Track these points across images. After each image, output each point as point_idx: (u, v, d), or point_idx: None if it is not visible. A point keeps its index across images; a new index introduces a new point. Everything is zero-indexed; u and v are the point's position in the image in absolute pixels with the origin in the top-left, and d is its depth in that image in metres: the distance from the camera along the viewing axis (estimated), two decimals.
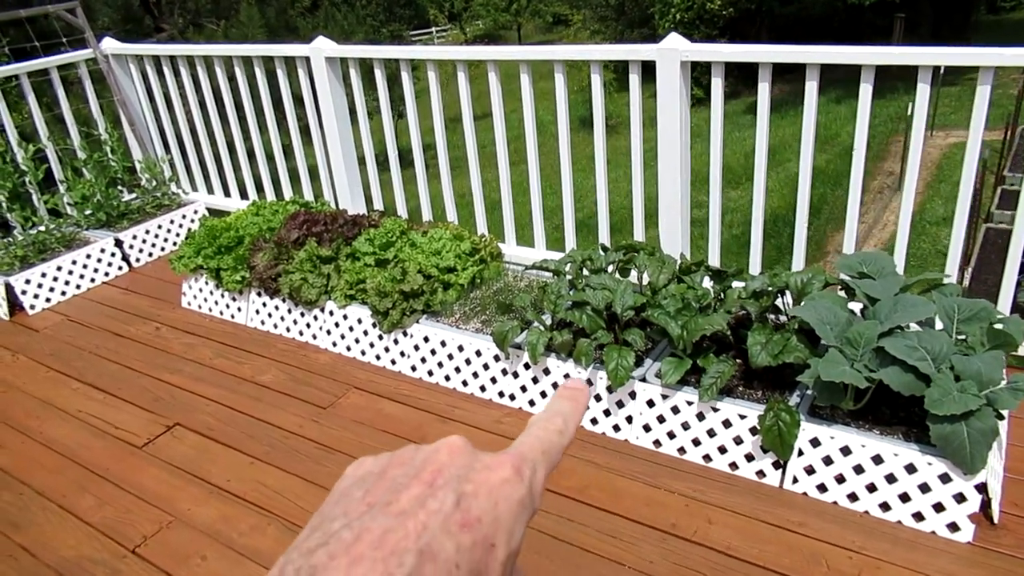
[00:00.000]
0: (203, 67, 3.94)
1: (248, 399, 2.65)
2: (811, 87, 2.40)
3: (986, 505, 1.81)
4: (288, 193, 3.97)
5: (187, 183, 4.40)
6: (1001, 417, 1.74)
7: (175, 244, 3.99)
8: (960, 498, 1.79)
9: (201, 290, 3.30)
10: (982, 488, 1.78)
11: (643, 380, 2.21)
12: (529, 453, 0.38)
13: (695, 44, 2.50)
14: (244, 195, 4.21)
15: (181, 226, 4.03)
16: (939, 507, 1.82)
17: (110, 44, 4.13)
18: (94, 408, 2.68)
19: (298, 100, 3.69)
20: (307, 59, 3.46)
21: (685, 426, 2.15)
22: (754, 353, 2.03)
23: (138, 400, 2.70)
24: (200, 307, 3.32)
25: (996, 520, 1.82)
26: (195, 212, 4.09)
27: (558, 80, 2.86)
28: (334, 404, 2.58)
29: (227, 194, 4.29)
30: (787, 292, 2.26)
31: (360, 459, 0.39)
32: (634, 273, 2.55)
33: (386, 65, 3.30)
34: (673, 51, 2.51)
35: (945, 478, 1.80)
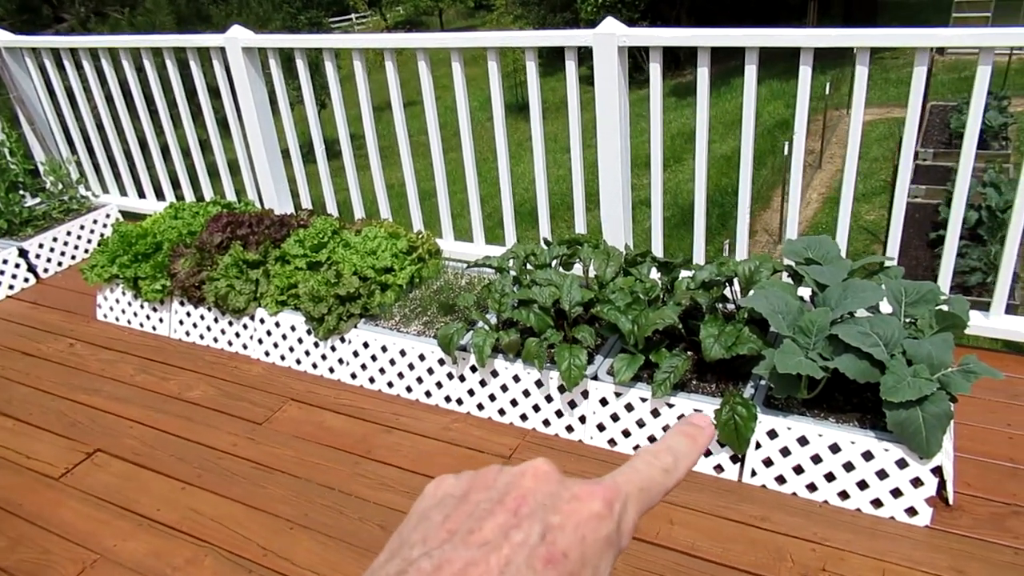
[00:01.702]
0: (108, 60, 3.67)
1: (176, 418, 2.47)
2: (750, 71, 2.36)
3: (941, 487, 1.81)
4: (208, 192, 3.75)
5: (97, 185, 4.12)
6: (955, 400, 1.74)
7: (87, 252, 3.73)
8: (917, 482, 1.79)
9: (118, 301, 3.08)
10: (937, 471, 1.78)
11: (595, 378, 2.15)
12: (625, 486, 0.36)
13: (632, 29, 2.43)
14: (160, 196, 3.96)
15: (92, 232, 3.76)
16: (897, 492, 1.81)
17: (3, 36, 3.80)
18: (2, 437, 2.46)
19: (214, 92, 3.47)
20: (222, 50, 3.25)
21: (640, 423, 2.10)
22: (707, 346, 1.99)
23: (53, 426, 2.49)
24: (118, 319, 3.09)
25: (951, 501, 1.83)
26: (107, 216, 3.83)
27: (491, 68, 2.75)
28: (270, 419, 2.43)
29: (141, 195, 4.03)
30: (734, 281, 2.23)
31: (440, 477, 0.38)
32: (578, 267, 2.48)
33: (307, 54, 3.13)
34: (610, 36, 2.44)
35: (902, 463, 1.80)
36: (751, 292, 2.13)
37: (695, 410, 2.01)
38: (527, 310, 2.22)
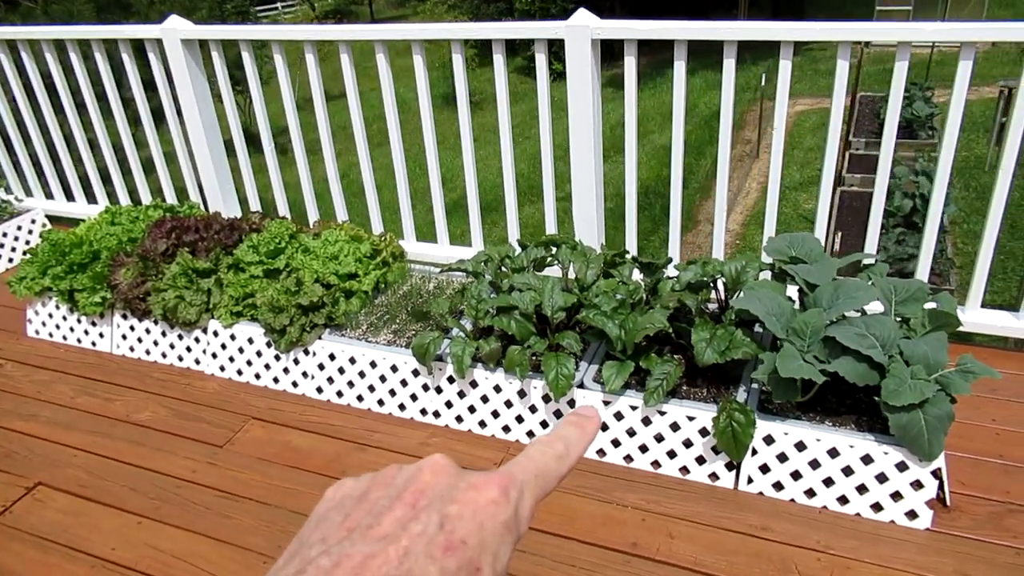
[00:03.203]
0: (28, 52, 3.38)
1: (126, 444, 2.27)
2: (729, 64, 2.30)
3: (939, 488, 1.79)
4: (145, 195, 3.51)
5: (18, 187, 3.81)
6: (954, 400, 1.72)
7: (11, 261, 3.44)
8: (917, 485, 1.76)
9: (51, 315, 2.83)
10: (937, 474, 1.75)
11: (581, 386, 2.06)
12: (520, 474, 0.37)
13: (606, 21, 2.34)
14: (91, 199, 3.69)
15: (17, 239, 3.47)
16: (897, 496, 1.78)
17: None
18: None
19: (149, 86, 3.23)
20: (159, 41, 3.03)
21: (631, 432, 2.02)
22: (700, 351, 1.92)
23: None
24: (52, 335, 2.85)
25: (949, 502, 1.81)
26: (32, 222, 3.54)
27: (456, 61, 2.62)
28: (231, 440, 2.25)
29: (70, 198, 3.74)
30: (718, 282, 2.17)
31: (340, 481, 0.38)
32: (555, 269, 2.39)
33: (251, 45, 2.93)
34: (583, 28, 2.34)
35: (902, 466, 1.76)
36: (740, 293, 2.07)
37: (688, 417, 1.94)
38: (508, 317, 2.11)
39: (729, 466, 1.94)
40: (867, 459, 1.79)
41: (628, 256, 2.43)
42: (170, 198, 3.41)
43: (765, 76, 10.72)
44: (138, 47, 3.18)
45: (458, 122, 2.71)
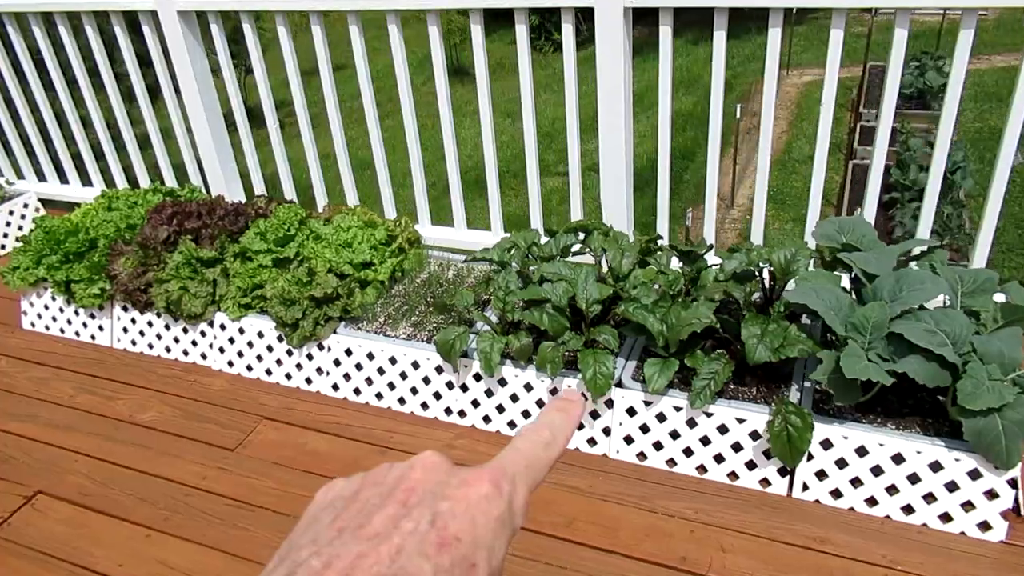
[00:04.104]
0: (14, 26, 3.19)
1: (130, 447, 2.13)
2: (774, 33, 2.13)
3: (1014, 499, 1.66)
4: (142, 177, 3.33)
5: (9, 170, 3.63)
6: None
7: (3, 248, 3.27)
8: (991, 495, 1.63)
9: (47, 307, 2.67)
10: (1013, 483, 1.62)
11: (619, 385, 1.91)
12: (510, 467, 0.37)
13: None
14: (86, 181, 3.51)
15: (9, 224, 3.30)
16: (968, 506, 1.65)
17: None
18: None
19: (143, 60, 3.04)
20: (153, 14, 2.83)
21: (674, 435, 1.88)
22: (751, 348, 1.77)
23: None
24: (48, 328, 2.69)
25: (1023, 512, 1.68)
26: (25, 206, 3.37)
27: (475, 32, 2.44)
28: (243, 443, 2.11)
29: (63, 180, 3.56)
30: (763, 271, 2.02)
31: (331, 481, 0.37)
32: (586, 257, 2.23)
33: (251, 16, 2.74)
34: None
35: (975, 474, 1.63)
36: (791, 284, 1.92)
37: (737, 419, 1.80)
38: (539, 311, 1.96)
39: (782, 471, 1.80)
40: (936, 466, 1.65)
41: (661, 241, 2.28)
42: (169, 180, 3.24)
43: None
44: (132, 20, 2.99)
45: (476, 93, 2.53)
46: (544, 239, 2.29)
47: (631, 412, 1.91)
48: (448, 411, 2.12)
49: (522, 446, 0.39)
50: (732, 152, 9.51)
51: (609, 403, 1.93)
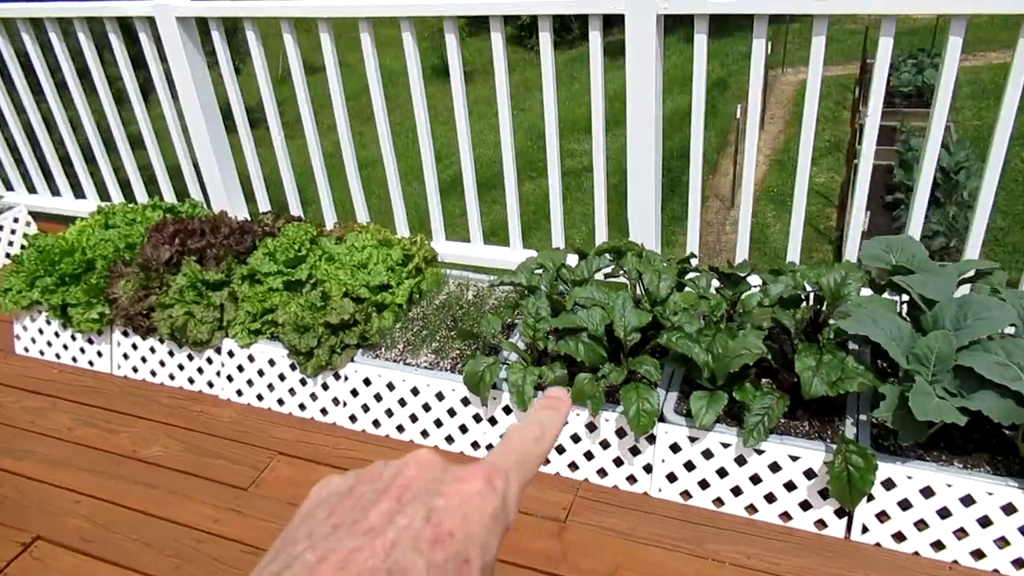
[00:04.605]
0: (1, 33, 3.03)
1: (134, 486, 2.00)
2: (818, 42, 2.02)
3: None
4: (139, 189, 3.18)
5: None
6: None
7: None
8: None
9: (42, 331, 2.53)
10: None
11: (661, 419, 1.80)
12: (502, 463, 0.37)
13: None
14: (79, 193, 3.36)
15: None
16: None
17: None
18: None
19: (137, 64, 2.89)
20: (151, 20, 2.69)
21: (721, 473, 1.76)
22: (806, 381, 1.66)
23: None
24: (43, 353, 2.55)
25: None
26: (15, 220, 3.21)
27: (495, 39, 2.31)
28: (257, 481, 1.98)
29: (55, 192, 3.41)
30: (809, 296, 1.91)
31: (326, 478, 0.37)
32: (621, 279, 2.11)
33: (255, 24, 2.60)
34: (648, 2, 2.04)
35: None
36: (844, 310, 1.81)
37: (790, 457, 1.69)
38: (574, 340, 1.84)
39: (840, 512, 1.69)
40: (1009, 508, 1.54)
41: (694, 261, 2.16)
42: (167, 194, 3.09)
43: (771, 44, 10.39)
44: (125, 25, 2.84)
45: (495, 94, 2.40)
46: (570, 257, 2.18)
47: (674, 448, 1.79)
48: (475, 445, 1.99)
49: (513, 442, 0.39)
50: (732, 152, 9.43)
51: (651, 438, 1.81)
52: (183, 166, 2.99)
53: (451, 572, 0.31)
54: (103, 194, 3.29)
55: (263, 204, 2.90)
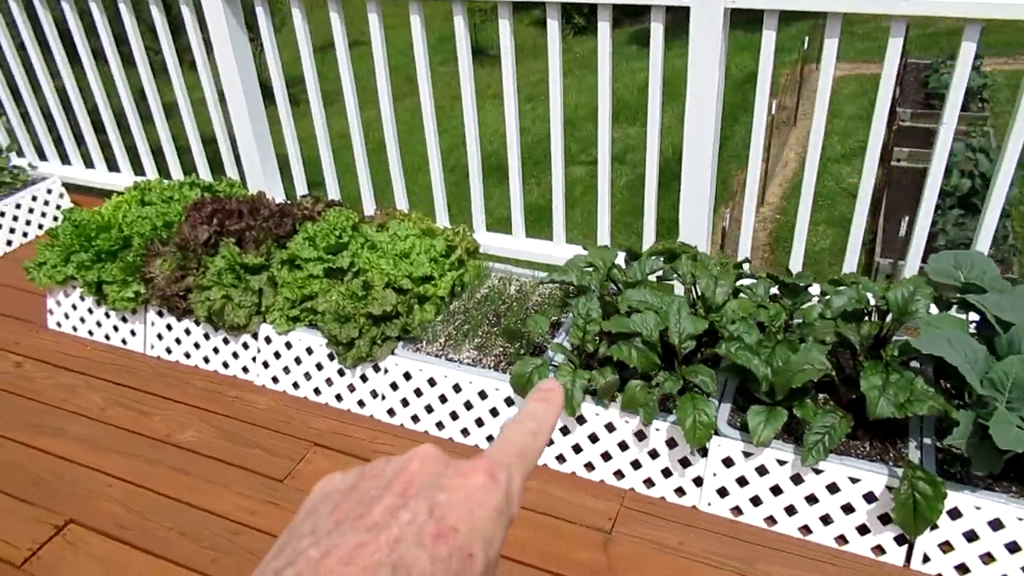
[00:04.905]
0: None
1: (168, 472, 1.96)
2: (895, 44, 1.93)
3: None
4: (174, 164, 3.13)
5: (31, 152, 3.43)
6: None
7: (25, 236, 3.08)
8: None
9: (75, 307, 2.49)
10: None
11: (715, 432, 1.73)
12: (504, 457, 0.37)
13: None
14: (112, 166, 3.32)
15: (32, 211, 3.11)
16: None
17: None
18: None
19: (177, 31, 2.83)
20: None
21: (776, 491, 1.70)
22: (872, 401, 1.59)
23: (4, 484, 1.94)
24: (75, 329, 2.51)
25: None
26: (48, 192, 3.17)
27: (551, 27, 2.23)
28: (293, 473, 1.94)
29: (89, 164, 3.37)
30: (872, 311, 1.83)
31: (330, 475, 0.37)
32: (675, 284, 2.04)
33: None
34: None
35: None
36: (913, 326, 1.73)
37: (850, 479, 1.62)
38: (627, 345, 1.77)
39: (900, 539, 1.62)
40: None
41: (746, 266, 2.09)
42: (202, 170, 3.04)
43: (808, 39, 10.20)
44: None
45: (547, 85, 2.33)
46: (618, 256, 2.10)
47: (727, 462, 1.73)
48: None
49: (512, 436, 0.39)
50: (764, 148, 9.28)
51: (703, 450, 1.75)
52: (220, 143, 2.94)
53: (455, 566, 0.31)
54: (137, 168, 3.25)
55: (300, 186, 2.85)
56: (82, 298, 2.46)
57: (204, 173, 3.03)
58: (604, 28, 2.19)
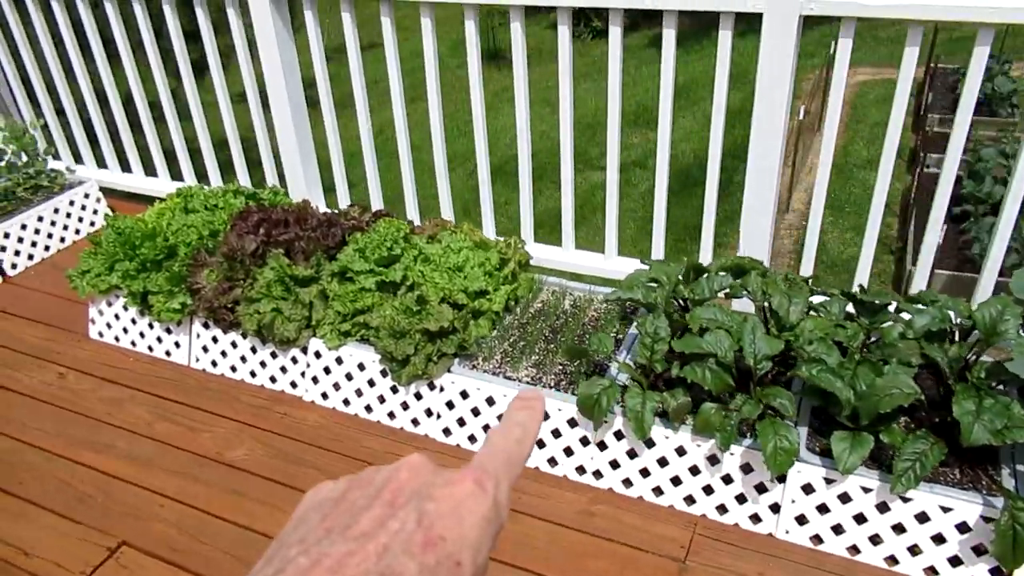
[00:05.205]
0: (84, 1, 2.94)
1: (221, 492, 1.90)
2: (980, 53, 1.86)
3: None
4: (213, 169, 3.09)
5: (67, 154, 3.39)
6: None
7: (63, 241, 3.04)
8: None
9: (118, 317, 2.44)
10: None
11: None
12: (491, 465, 0.37)
13: None
14: (150, 170, 3.28)
15: (70, 216, 3.07)
16: None
17: None
18: None
19: (219, 30, 2.79)
20: None
21: (859, 519, 1.63)
22: (967, 427, 1.51)
23: (53, 502, 1.89)
24: (118, 340, 2.46)
25: None
26: (86, 196, 3.13)
27: (613, 33, 2.17)
28: None
29: (126, 168, 3.33)
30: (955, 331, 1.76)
31: (319, 484, 0.38)
32: (740, 302, 1.97)
33: None
34: (790, 1, 1.88)
35: None
36: (1003, 348, 1.65)
37: (941, 508, 1.55)
38: (701, 367, 1.70)
39: (995, 572, 1.54)
40: None
41: (809, 283, 2.01)
42: (241, 175, 2.99)
43: (835, 43, 10.06)
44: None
45: (606, 88, 2.27)
46: (671, 267, 2.03)
47: (807, 489, 1.65)
48: (580, 470, 1.87)
49: (498, 444, 0.40)
50: (790, 155, 9.18)
51: (781, 477, 1.68)
52: (261, 149, 2.89)
53: (443, 575, 0.31)
54: (174, 173, 3.21)
55: (343, 198, 2.79)
56: (125, 308, 2.41)
57: (243, 179, 2.98)
58: (669, 36, 2.13)
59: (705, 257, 2.35)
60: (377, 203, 2.74)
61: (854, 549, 1.64)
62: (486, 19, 15.18)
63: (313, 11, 2.51)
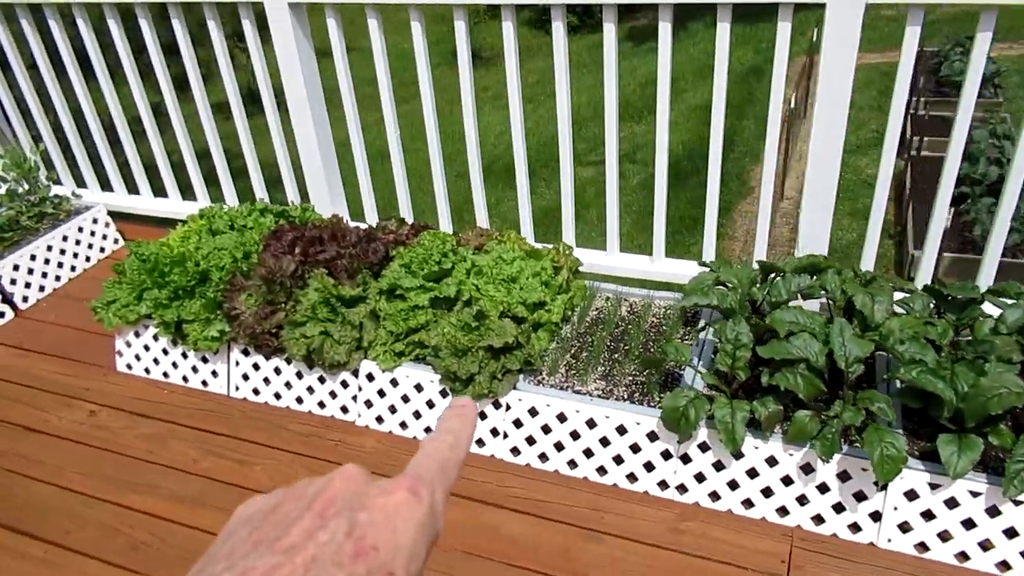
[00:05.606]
0: (84, 16, 2.80)
1: None
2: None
3: None
4: (227, 185, 2.97)
5: (67, 178, 3.25)
6: None
7: (73, 270, 2.90)
8: None
9: (148, 348, 2.32)
10: None
11: None
12: (426, 473, 0.37)
13: None
14: (159, 191, 3.14)
15: (79, 243, 2.93)
16: None
17: None
18: (28, 573, 1.74)
19: (237, 41, 2.67)
20: (255, 4, 2.47)
21: (968, 524, 1.56)
22: None
23: (105, 551, 1.77)
24: (149, 371, 2.34)
25: None
26: (94, 222, 2.99)
27: (663, 29, 2.09)
28: None
29: (132, 190, 3.19)
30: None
31: (252, 497, 0.37)
32: (815, 304, 1.90)
33: (378, 11, 2.38)
34: None
35: None
36: None
37: (1014, 502, 1.49)
38: (792, 373, 1.63)
39: None
40: None
41: (882, 278, 1.95)
42: (259, 191, 2.88)
43: (817, 29, 10.11)
44: (227, 13, 2.62)
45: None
46: (740, 269, 1.96)
47: (911, 496, 1.59)
48: (663, 485, 1.79)
49: (430, 451, 0.39)
50: (782, 141, 9.18)
51: (883, 487, 1.61)
52: (280, 165, 2.77)
53: None
54: (186, 192, 3.08)
55: (370, 211, 2.69)
56: (156, 338, 2.29)
57: (261, 195, 2.86)
58: (723, 30, 2.05)
59: (708, 251, 2.30)
60: (407, 214, 2.64)
61: (963, 555, 1.58)
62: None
63: (337, 20, 2.40)
